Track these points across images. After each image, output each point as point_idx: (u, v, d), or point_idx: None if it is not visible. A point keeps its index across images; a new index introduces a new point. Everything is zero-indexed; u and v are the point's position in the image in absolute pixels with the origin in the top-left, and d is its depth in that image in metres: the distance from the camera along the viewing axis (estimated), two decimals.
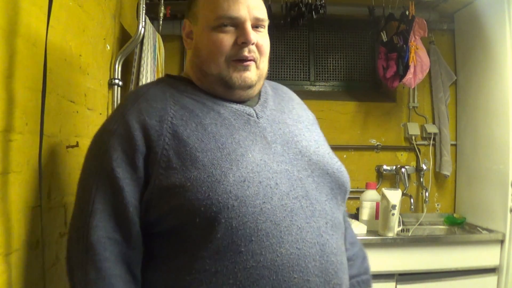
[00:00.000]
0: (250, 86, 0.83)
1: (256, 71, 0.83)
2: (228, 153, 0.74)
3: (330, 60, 2.65)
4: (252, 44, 0.81)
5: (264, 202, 0.72)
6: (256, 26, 0.82)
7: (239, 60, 0.81)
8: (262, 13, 0.84)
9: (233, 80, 0.81)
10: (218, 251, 0.68)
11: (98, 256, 0.68)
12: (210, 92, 0.84)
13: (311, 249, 0.72)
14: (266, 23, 0.86)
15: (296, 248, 0.71)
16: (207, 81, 0.84)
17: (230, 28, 0.80)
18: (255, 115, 0.83)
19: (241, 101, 0.85)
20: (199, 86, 0.85)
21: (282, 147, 0.81)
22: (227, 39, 0.80)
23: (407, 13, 2.18)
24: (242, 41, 0.79)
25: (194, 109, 0.79)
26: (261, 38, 0.83)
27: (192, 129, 0.75)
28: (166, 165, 0.72)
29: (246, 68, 0.81)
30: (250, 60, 0.81)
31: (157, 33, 1.88)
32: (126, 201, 0.71)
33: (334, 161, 0.87)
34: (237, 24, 0.80)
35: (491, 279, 2.00)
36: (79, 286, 0.69)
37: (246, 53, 0.80)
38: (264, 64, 0.86)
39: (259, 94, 0.90)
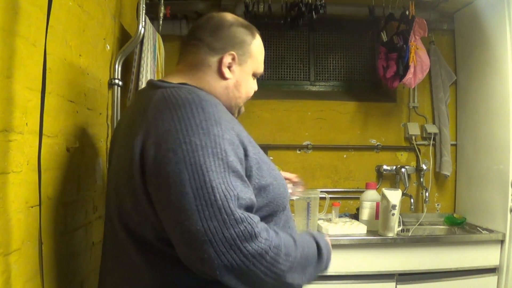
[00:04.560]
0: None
1: None
2: (265, 157, 0.92)
3: (330, 60, 2.65)
4: None
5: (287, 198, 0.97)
6: None
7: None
8: None
9: (242, 110, 1.04)
10: (281, 223, 0.92)
11: None
12: None
13: None
14: None
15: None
16: (231, 107, 0.99)
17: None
18: None
19: None
20: None
21: None
22: (254, 86, 1.04)
23: (407, 13, 2.18)
24: (255, 91, 1.04)
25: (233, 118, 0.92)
26: None
27: (246, 134, 0.89)
28: (257, 167, 0.84)
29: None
30: None
31: (157, 33, 1.88)
32: None
33: None
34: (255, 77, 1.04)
35: (491, 279, 2.00)
36: None
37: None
38: None
39: None
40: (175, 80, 0.92)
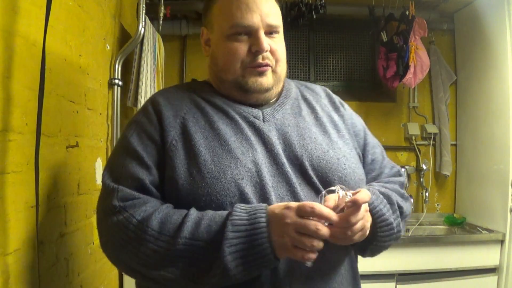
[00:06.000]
0: (267, 90, 0.85)
1: (272, 75, 0.85)
2: (229, 150, 0.77)
3: (330, 60, 2.65)
4: (266, 51, 0.83)
5: (261, 202, 0.73)
6: (270, 32, 0.84)
7: (254, 67, 0.83)
8: (275, 19, 0.85)
9: (249, 84, 0.83)
10: None
11: None
12: (227, 96, 0.87)
13: None
14: (280, 28, 0.87)
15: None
16: (224, 86, 0.87)
17: (244, 37, 0.83)
18: (261, 117, 0.85)
19: (257, 104, 0.87)
20: (217, 90, 0.89)
21: (284, 150, 0.81)
22: (241, 47, 0.82)
23: (407, 13, 2.18)
24: (255, 50, 0.82)
25: (205, 108, 0.84)
26: (275, 44, 0.84)
27: (200, 126, 0.81)
28: (171, 154, 0.77)
29: (261, 74, 0.84)
30: (265, 66, 0.83)
31: (157, 33, 1.88)
32: None
33: (341, 167, 0.82)
34: (251, 32, 0.82)
35: (491, 279, 2.00)
36: None
37: (260, 61, 0.83)
38: (281, 68, 0.87)
39: (279, 97, 0.91)
40: None
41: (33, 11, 0.93)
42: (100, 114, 1.45)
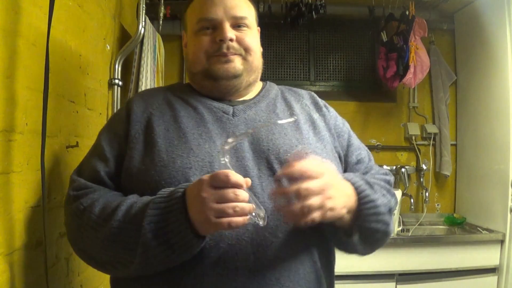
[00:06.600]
0: (235, 76, 0.86)
1: (242, 62, 0.87)
2: (186, 141, 0.79)
3: (330, 60, 2.65)
4: (231, 40, 0.84)
5: None
6: (237, 25, 0.87)
7: (220, 55, 0.85)
8: (241, 11, 0.87)
9: (215, 71, 0.85)
10: None
11: None
12: (201, 91, 0.90)
13: (246, 248, 0.72)
14: (249, 20, 0.89)
15: (228, 243, 0.71)
16: (196, 79, 0.90)
17: (210, 31, 0.86)
18: (231, 113, 0.85)
19: (229, 98, 0.88)
20: (194, 88, 0.92)
21: (251, 143, 0.81)
22: (206, 39, 0.86)
23: (407, 13, 2.18)
24: (219, 39, 0.84)
25: (175, 104, 0.87)
26: (241, 35, 0.87)
27: (164, 120, 0.83)
28: (132, 146, 0.81)
29: (228, 60, 0.85)
30: (232, 54, 0.86)
31: (157, 33, 1.88)
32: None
33: None
34: (215, 25, 0.86)
35: (491, 279, 2.00)
36: None
37: (224, 50, 0.85)
38: (252, 58, 0.88)
39: (257, 96, 0.92)
40: None
41: (34, 11, 0.93)
42: (100, 114, 1.45)
